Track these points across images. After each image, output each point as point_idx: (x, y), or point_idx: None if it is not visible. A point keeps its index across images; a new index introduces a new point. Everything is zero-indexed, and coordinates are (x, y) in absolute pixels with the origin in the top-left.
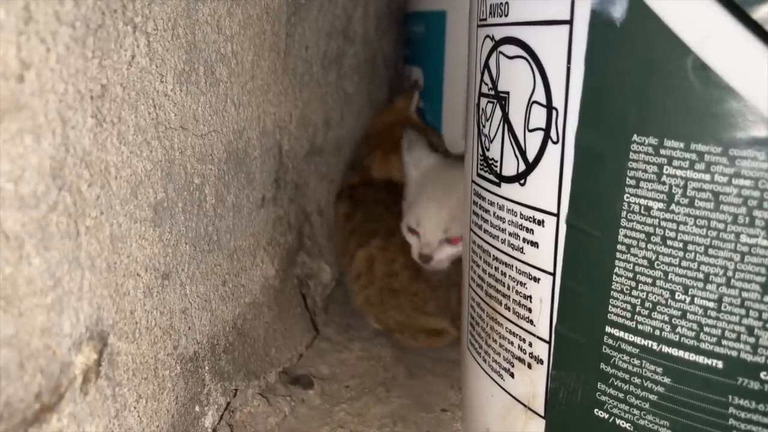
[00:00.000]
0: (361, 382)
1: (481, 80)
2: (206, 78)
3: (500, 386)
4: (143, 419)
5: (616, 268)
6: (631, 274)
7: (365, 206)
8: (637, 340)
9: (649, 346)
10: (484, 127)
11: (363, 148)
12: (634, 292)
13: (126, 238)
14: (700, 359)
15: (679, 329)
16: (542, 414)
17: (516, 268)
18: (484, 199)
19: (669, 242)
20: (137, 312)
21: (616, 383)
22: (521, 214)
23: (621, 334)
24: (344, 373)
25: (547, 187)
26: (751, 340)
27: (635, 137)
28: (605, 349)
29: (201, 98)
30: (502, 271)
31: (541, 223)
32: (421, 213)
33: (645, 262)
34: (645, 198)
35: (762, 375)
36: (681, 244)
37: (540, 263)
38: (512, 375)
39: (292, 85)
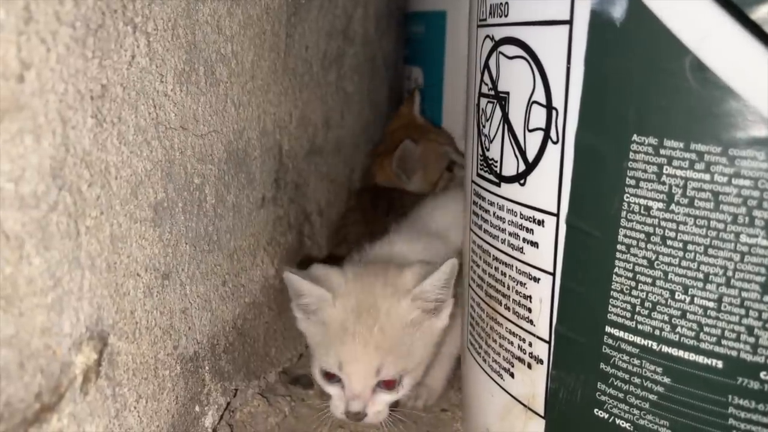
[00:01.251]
0: None
1: (481, 80)
2: (206, 78)
3: (500, 386)
4: (143, 419)
5: (616, 268)
6: (630, 274)
7: (357, 211)
8: (637, 339)
9: (649, 345)
10: (484, 127)
11: (371, 157)
12: (634, 292)
13: (126, 238)
14: (700, 359)
15: (678, 329)
16: (542, 414)
17: (516, 268)
18: (484, 199)
19: (669, 242)
20: (137, 312)
21: (615, 383)
22: (521, 214)
23: (621, 334)
24: None
25: (547, 187)
26: (751, 339)
27: (635, 137)
28: (605, 349)
29: (201, 98)
30: (502, 271)
31: (541, 223)
32: (342, 353)
33: (645, 262)
34: (645, 198)
35: (762, 375)
36: (681, 244)
37: (540, 263)
38: (512, 375)
39: (292, 85)
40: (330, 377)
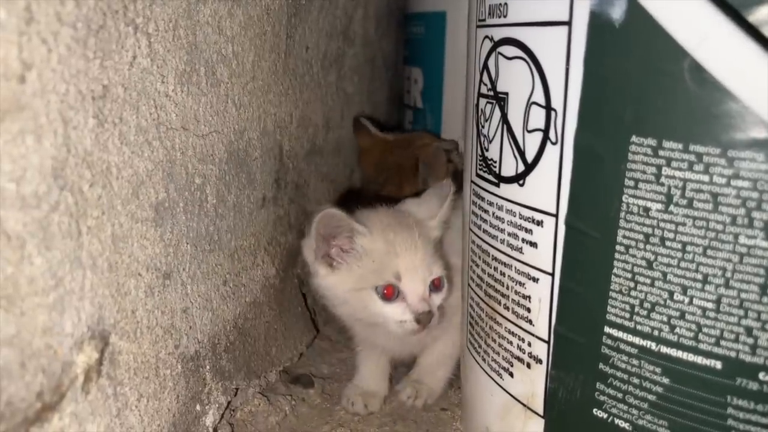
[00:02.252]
0: None
1: (480, 81)
2: (207, 78)
3: (499, 386)
4: (144, 418)
5: (615, 268)
6: (629, 275)
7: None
8: (636, 340)
9: (648, 346)
10: (483, 127)
11: (370, 188)
12: (633, 293)
13: (127, 238)
14: (699, 360)
15: (677, 330)
16: (541, 413)
17: (515, 268)
18: (483, 199)
19: (667, 243)
20: (138, 311)
21: (614, 383)
22: (520, 214)
23: (620, 334)
24: (344, 372)
25: (546, 187)
26: (750, 340)
27: (634, 138)
28: (604, 349)
29: (202, 99)
30: (501, 271)
31: (540, 223)
32: (399, 264)
33: (644, 263)
34: (643, 199)
35: (760, 375)
36: (680, 245)
37: (539, 263)
38: (511, 374)
39: (293, 86)
40: (387, 297)
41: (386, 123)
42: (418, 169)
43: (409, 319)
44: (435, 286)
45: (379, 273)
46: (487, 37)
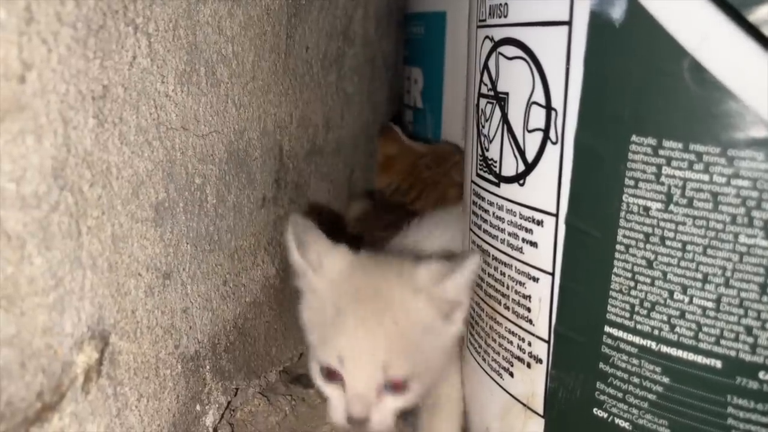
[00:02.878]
0: None
1: (481, 81)
2: (207, 78)
3: (500, 385)
4: (144, 418)
5: (615, 268)
6: (629, 274)
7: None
8: (636, 339)
9: (648, 345)
10: (483, 127)
11: (394, 198)
12: (633, 292)
13: (127, 238)
14: (699, 359)
15: (677, 329)
16: (541, 413)
17: (515, 267)
18: (483, 199)
19: (668, 242)
20: (138, 311)
21: (615, 383)
22: (520, 214)
23: (620, 333)
24: None
25: (547, 187)
26: (750, 339)
27: (634, 138)
28: (604, 349)
29: (202, 99)
30: (501, 271)
31: (540, 223)
32: (345, 345)
33: (644, 262)
34: (644, 198)
35: (760, 375)
36: (680, 244)
37: (539, 263)
38: (511, 374)
39: (293, 86)
40: (331, 376)
41: (406, 129)
42: (456, 189)
43: (340, 417)
44: (394, 387)
45: (323, 342)
46: (487, 37)
